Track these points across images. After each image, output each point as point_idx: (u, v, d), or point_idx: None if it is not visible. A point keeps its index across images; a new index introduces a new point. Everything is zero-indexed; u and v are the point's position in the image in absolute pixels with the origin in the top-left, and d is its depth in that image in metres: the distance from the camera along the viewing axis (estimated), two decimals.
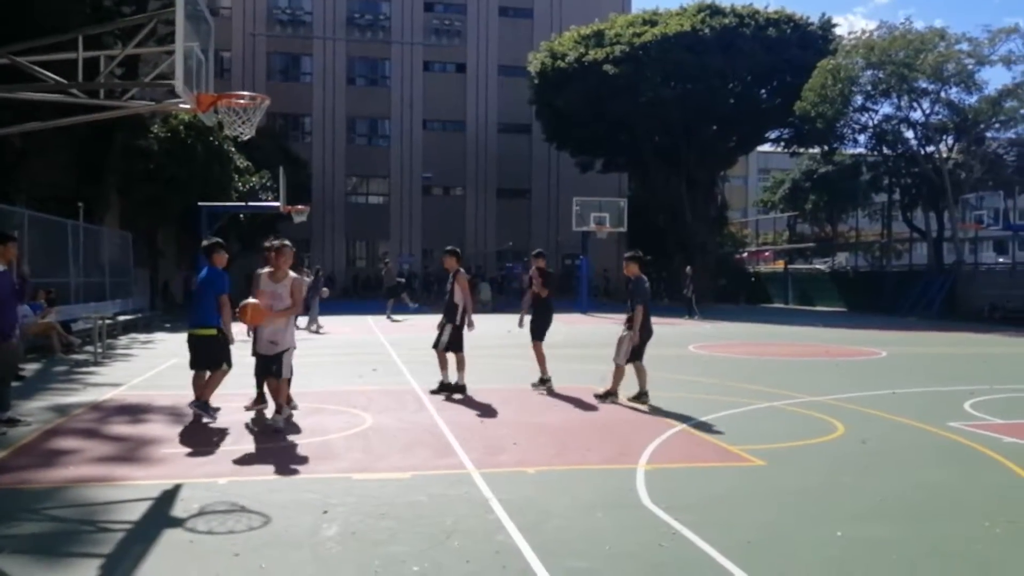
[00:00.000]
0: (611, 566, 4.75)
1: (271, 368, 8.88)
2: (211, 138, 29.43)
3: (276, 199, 27.60)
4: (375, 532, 5.31)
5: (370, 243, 54.24)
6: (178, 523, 5.48)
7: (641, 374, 10.53)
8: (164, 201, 29.12)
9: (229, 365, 9.31)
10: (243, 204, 27.39)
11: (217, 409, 9.11)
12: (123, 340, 19.86)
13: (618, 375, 10.59)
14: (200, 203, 24.82)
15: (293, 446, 7.90)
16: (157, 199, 29.06)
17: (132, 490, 6.31)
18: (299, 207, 28.16)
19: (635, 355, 10.54)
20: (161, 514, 5.72)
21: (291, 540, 5.16)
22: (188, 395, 11.01)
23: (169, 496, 6.14)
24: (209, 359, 9.18)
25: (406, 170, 52.71)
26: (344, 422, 9.13)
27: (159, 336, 21.55)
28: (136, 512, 5.77)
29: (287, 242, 9.27)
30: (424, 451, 7.71)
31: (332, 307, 37.13)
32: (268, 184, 32.82)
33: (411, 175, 52.76)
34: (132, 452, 7.67)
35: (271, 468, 7.04)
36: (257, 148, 30.46)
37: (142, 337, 21.00)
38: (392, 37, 52.69)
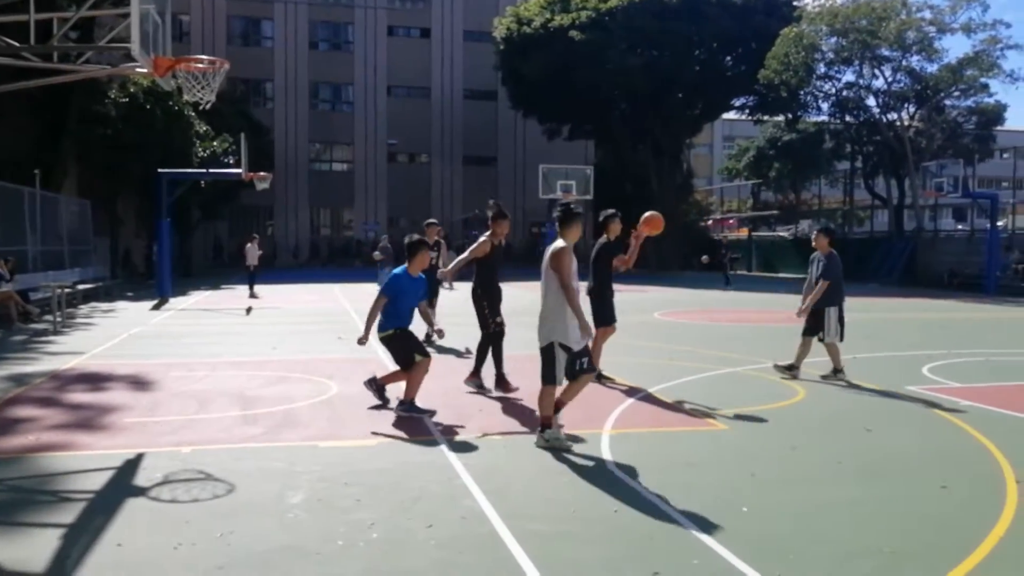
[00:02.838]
0: (576, 530, 4.80)
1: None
2: (171, 103, 28.83)
3: (238, 166, 27.16)
4: (341, 499, 5.31)
5: (334, 211, 53.79)
6: (141, 492, 5.44)
7: (805, 349, 9.99)
8: (123, 168, 28.57)
9: (424, 355, 7.97)
10: (204, 171, 26.89)
11: (432, 412, 7.83)
12: (83, 309, 19.57)
13: (834, 352, 9.90)
14: (160, 170, 24.38)
15: (257, 415, 7.87)
16: (116, 166, 28.50)
17: (94, 459, 6.24)
18: (261, 174, 27.70)
19: (809, 330, 10.01)
20: (124, 483, 5.67)
21: (256, 508, 5.15)
22: (150, 363, 10.91)
23: (132, 465, 6.08)
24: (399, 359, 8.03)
25: (370, 137, 52.19)
26: (310, 390, 9.10)
27: (120, 305, 21.27)
28: (98, 481, 5.71)
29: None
30: (390, 419, 7.71)
31: (297, 275, 36.89)
32: (230, 150, 32.29)
33: (376, 142, 52.26)
34: (94, 421, 7.58)
35: (236, 436, 7.00)
36: (218, 114, 29.89)
37: (103, 306, 20.70)
38: (355, 1, 51.88)
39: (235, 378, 9.91)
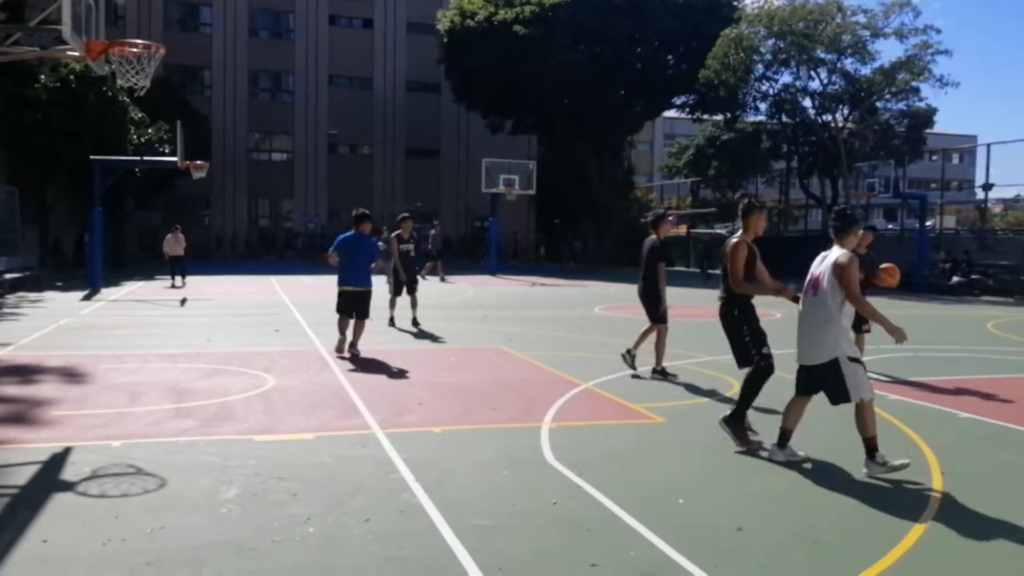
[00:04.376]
0: (515, 523, 4.81)
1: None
2: (104, 89, 28.00)
3: (174, 154, 26.53)
4: (276, 493, 5.23)
5: (273, 201, 52.98)
6: (68, 487, 5.29)
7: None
8: (54, 154, 27.66)
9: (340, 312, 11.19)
10: (138, 159, 26.22)
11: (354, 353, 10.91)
12: (10, 299, 18.95)
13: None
14: (92, 157, 23.68)
15: (191, 408, 7.70)
16: (46, 152, 27.58)
17: (19, 453, 6.05)
18: (198, 163, 27.12)
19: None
20: (50, 478, 5.50)
21: (188, 503, 5.04)
22: (79, 355, 10.62)
23: (59, 459, 5.91)
24: (361, 311, 11.12)
25: (311, 127, 51.49)
26: (245, 383, 8.94)
27: (49, 295, 20.63)
28: (23, 476, 5.53)
29: None
30: (328, 412, 7.63)
31: (234, 266, 36.24)
32: (165, 138, 31.52)
33: (316, 132, 51.58)
34: (20, 414, 7.34)
35: (168, 430, 6.85)
36: (153, 101, 29.13)
37: (31, 296, 20.07)
38: None
39: (168, 371, 9.70)
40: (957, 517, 5.04)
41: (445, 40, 41.41)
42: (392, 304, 14.75)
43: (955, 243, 30.15)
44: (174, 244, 24.38)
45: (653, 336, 9.78)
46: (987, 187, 31.35)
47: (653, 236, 9.77)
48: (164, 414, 7.47)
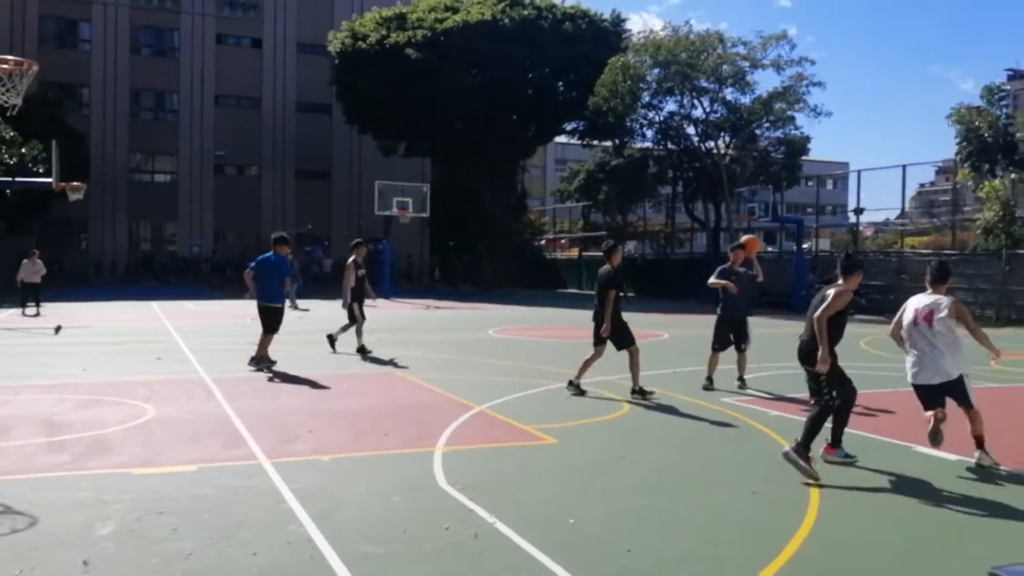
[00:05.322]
0: (407, 549, 4.75)
1: None
2: None
3: (48, 174, 25.27)
4: (155, 529, 5.01)
5: (155, 224, 51.08)
6: None
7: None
8: None
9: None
10: (10, 179, 24.89)
11: (273, 362, 12.12)
12: None
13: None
14: None
15: (64, 442, 7.31)
16: None
17: None
18: (75, 184, 25.84)
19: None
20: None
21: (60, 541, 4.77)
22: None
23: None
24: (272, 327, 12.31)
25: (196, 147, 49.96)
26: (123, 414, 8.55)
27: None
28: None
29: None
30: (212, 443, 7.38)
31: (114, 292, 34.69)
32: (40, 158, 30.01)
33: (202, 153, 50.06)
34: None
35: (39, 465, 6.48)
36: (27, 119, 27.68)
37: None
38: (181, 7, 49.67)
39: (40, 402, 9.19)
40: (833, 526, 5.27)
41: (337, 61, 41.03)
42: (359, 332, 14.12)
43: (830, 265, 31.62)
44: (31, 271, 22.96)
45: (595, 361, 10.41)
46: (858, 211, 33.12)
47: (607, 266, 10.29)
48: (35, 448, 7.07)
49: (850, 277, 6.98)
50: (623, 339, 10.29)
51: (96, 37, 48.32)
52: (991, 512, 5.69)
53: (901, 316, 7.16)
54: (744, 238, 11.98)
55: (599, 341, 10.30)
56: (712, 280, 11.19)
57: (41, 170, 29.14)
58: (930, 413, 6.79)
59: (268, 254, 12.50)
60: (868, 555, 4.81)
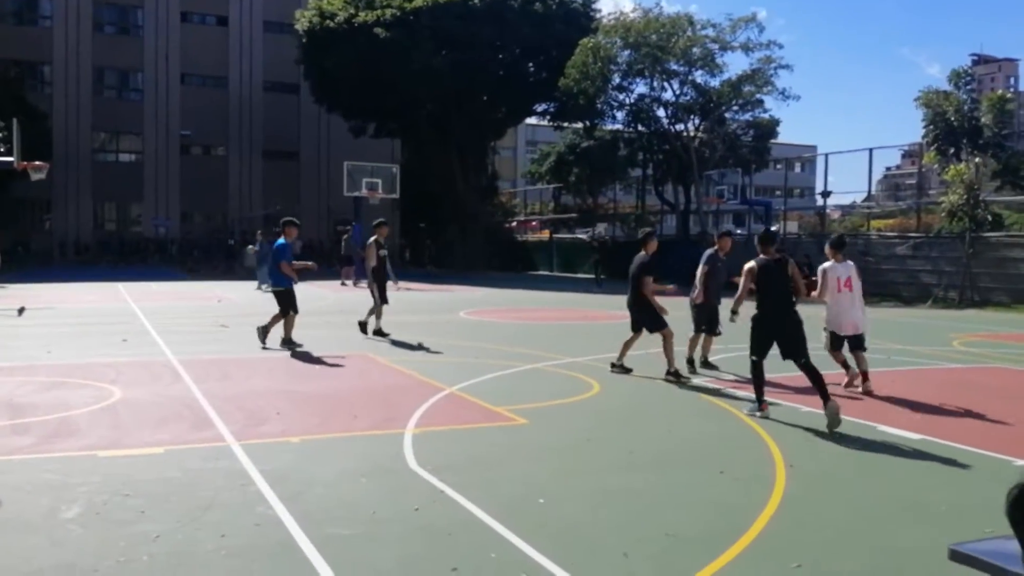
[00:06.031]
0: (376, 531, 4.75)
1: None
2: None
3: (9, 154, 24.75)
4: (121, 511, 4.96)
5: (121, 205, 50.35)
6: None
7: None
8: None
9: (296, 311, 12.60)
10: None
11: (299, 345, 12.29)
12: None
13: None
14: None
15: (29, 424, 7.21)
16: None
17: None
18: (37, 164, 25.37)
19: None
20: None
21: (25, 524, 4.72)
22: None
23: None
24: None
25: (161, 127, 49.25)
26: (89, 396, 8.44)
27: None
28: None
29: None
30: (179, 425, 7.31)
31: (79, 273, 34.16)
32: (0, 137, 29.37)
33: (167, 132, 49.37)
34: None
35: (3, 448, 6.38)
36: None
37: None
38: None
39: (3, 384, 9.05)
40: (799, 504, 5.34)
41: (304, 40, 40.49)
42: (379, 313, 14.00)
43: (797, 247, 31.92)
44: None
45: (637, 342, 10.58)
46: (826, 194, 33.41)
47: (643, 252, 10.53)
48: None
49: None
50: (655, 323, 10.37)
51: (57, 13, 47.37)
52: (953, 489, 5.81)
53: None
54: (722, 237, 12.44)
55: (636, 328, 10.51)
56: (701, 269, 11.61)
57: (2, 149, 28.54)
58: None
59: (280, 240, 12.86)
60: (832, 533, 4.89)
